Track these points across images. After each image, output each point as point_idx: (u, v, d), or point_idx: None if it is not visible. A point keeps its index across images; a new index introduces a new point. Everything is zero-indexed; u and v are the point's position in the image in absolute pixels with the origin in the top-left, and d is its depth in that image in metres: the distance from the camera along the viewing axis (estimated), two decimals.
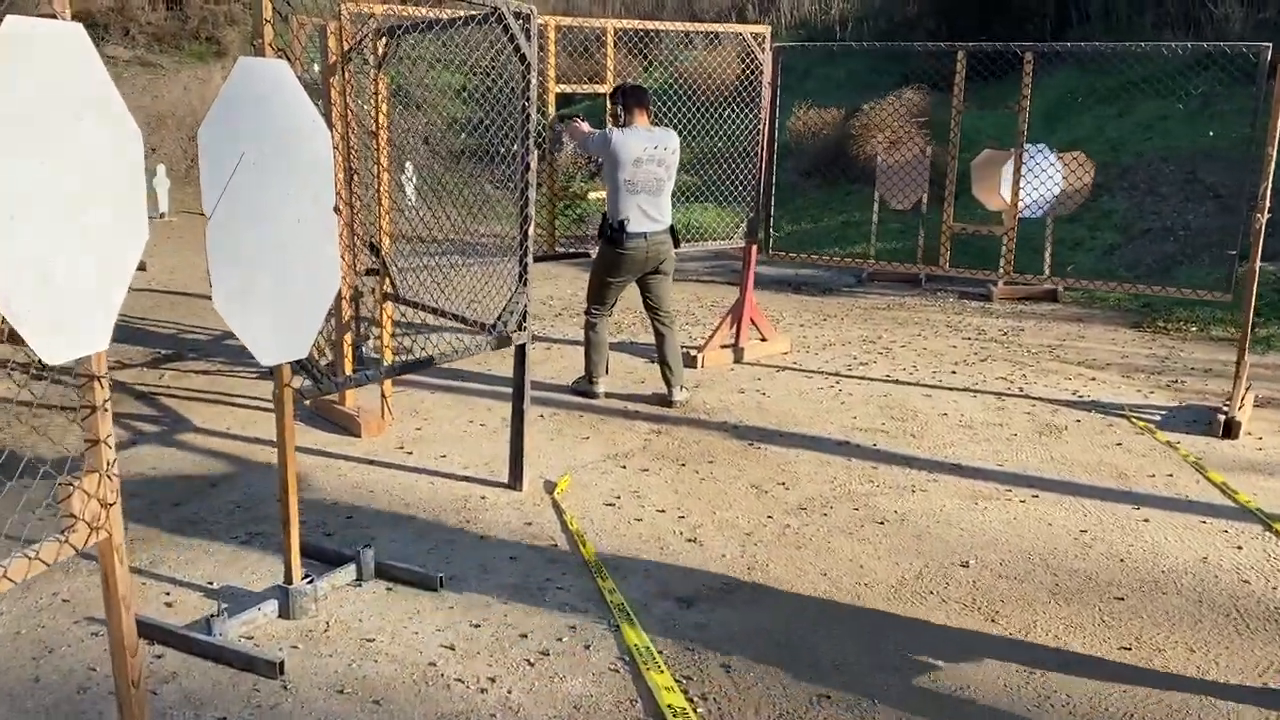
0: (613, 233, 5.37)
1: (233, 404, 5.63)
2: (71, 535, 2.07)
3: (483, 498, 4.33)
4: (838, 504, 4.30)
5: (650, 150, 5.30)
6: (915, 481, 4.57)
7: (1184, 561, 3.77)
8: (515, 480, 4.42)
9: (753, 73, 6.50)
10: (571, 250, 6.41)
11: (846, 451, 4.96)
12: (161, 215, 13.06)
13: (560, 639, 3.17)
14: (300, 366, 3.20)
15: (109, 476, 2.12)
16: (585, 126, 5.62)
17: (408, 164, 10.03)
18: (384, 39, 4.92)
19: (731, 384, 6.14)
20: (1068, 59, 11.99)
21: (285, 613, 3.26)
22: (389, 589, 3.49)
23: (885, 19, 15.74)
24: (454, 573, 3.60)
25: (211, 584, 3.52)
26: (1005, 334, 7.55)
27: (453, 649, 3.11)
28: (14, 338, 1.86)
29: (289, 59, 2.96)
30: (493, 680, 2.94)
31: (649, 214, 5.38)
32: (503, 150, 4.23)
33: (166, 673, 2.94)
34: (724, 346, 6.66)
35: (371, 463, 4.73)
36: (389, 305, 5.19)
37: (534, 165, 4.24)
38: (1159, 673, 3.03)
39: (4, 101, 1.77)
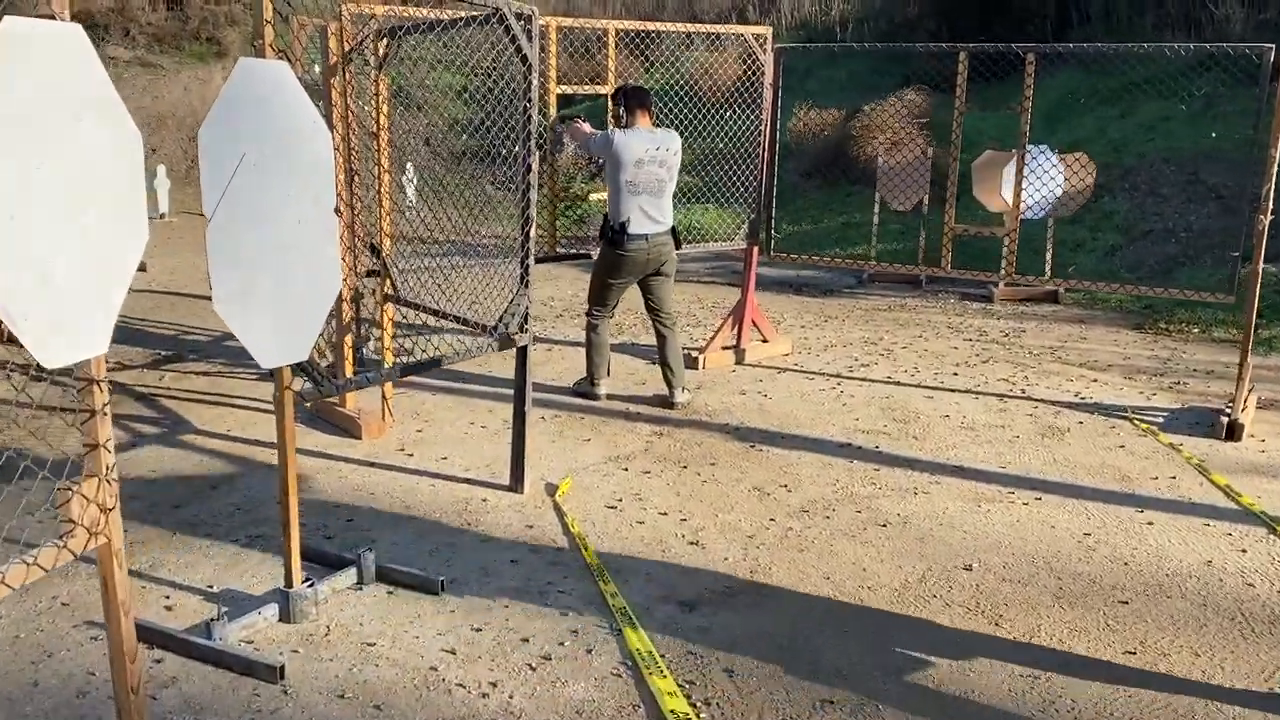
0: (614, 234, 5.35)
1: (233, 405, 5.62)
2: (70, 540, 2.06)
3: (484, 500, 4.31)
4: (840, 506, 4.29)
5: (652, 151, 5.29)
6: (918, 484, 4.56)
7: (1188, 565, 3.76)
8: (516, 482, 4.40)
9: (754, 74, 6.49)
10: (572, 251, 6.40)
11: (849, 453, 4.95)
12: (162, 216, 13.04)
13: (562, 643, 3.15)
14: (301, 369, 3.18)
15: (108, 481, 2.11)
16: (587, 127, 5.61)
17: (408, 165, 10.02)
18: (385, 40, 4.91)
19: (733, 385, 6.12)
20: (1070, 60, 11.98)
21: (285, 616, 3.24)
22: (390, 592, 3.47)
23: (886, 20, 15.73)
24: (455, 576, 3.58)
25: (211, 587, 3.50)
26: (1007, 335, 7.54)
27: (454, 653, 3.09)
28: (14, 339, 1.84)
29: (289, 60, 2.94)
30: (494, 685, 2.92)
31: (650, 215, 5.36)
32: (504, 151, 4.21)
33: (166, 677, 2.92)
34: (725, 348, 6.64)
35: (372, 465, 4.71)
36: (389, 307, 5.18)
37: (535, 166, 4.23)
38: (1164, 677, 3.01)
39: (2, 102, 1.75)
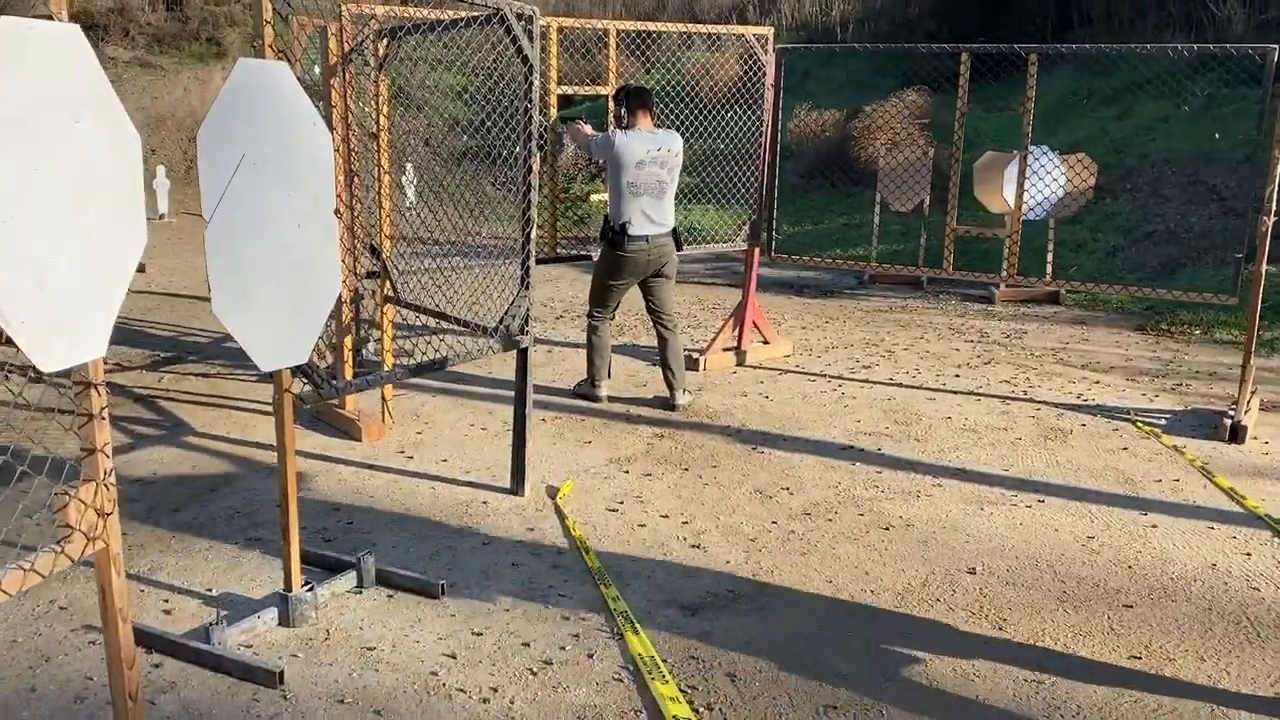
0: (614, 235, 5.33)
1: (232, 407, 5.60)
2: (67, 546, 2.03)
3: (484, 503, 4.29)
4: (842, 509, 4.27)
5: (654, 152, 5.27)
6: (920, 486, 4.54)
7: (1193, 568, 3.74)
8: (517, 485, 4.38)
9: (754, 74, 6.47)
10: (573, 253, 6.38)
11: (850, 456, 4.93)
12: (161, 216, 13.03)
13: (563, 647, 3.13)
14: (300, 371, 3.16)
15: (106, 486, 2.09)
16: (588, 129, 5.59)
17: (408, 166, 10.00)
18: (385, 40, 4.89)
19: (734, 387, 6.10)
20: (1070, 61, 11.96)
21: (285, 620, 3.22)
22: (390, 596, 3.45)
23: (886, 21, 15.71)
24: (455, 579, 3.56)
25: (210, 591, 3.48)
26: (1008, 337, 7.52)
27: (454, 658, 3.07)
28: (10, 340, 1.82)
29: (289, 60, 2.92)
30: (495, 690, 2.90)
31: (651, 217, 5.34)
32: (504, 152, 4.19)
33: (165, 682, 2.90)
34: (726, 349, 6.62)
35: (372, 467, 4.69)
36: (389, 308, 5.15)
37: (536, 167, 4.21)
38: (1170, 681, 2.99)
39: None
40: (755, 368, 6.56)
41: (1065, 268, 9.03)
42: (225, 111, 2.56)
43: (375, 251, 5.02)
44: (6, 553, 3.56)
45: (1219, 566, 3.75)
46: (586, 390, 5.79)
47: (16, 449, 4.55)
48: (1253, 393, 5.47)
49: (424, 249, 5.23)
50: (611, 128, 5.62)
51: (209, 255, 2.54)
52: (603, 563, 3.71)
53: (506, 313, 4.15)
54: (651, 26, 6.51)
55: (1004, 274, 6.45)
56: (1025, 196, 6.37)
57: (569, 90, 6.30)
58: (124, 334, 6.98)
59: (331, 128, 4.35)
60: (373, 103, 4.94)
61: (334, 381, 3.59)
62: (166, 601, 3.41)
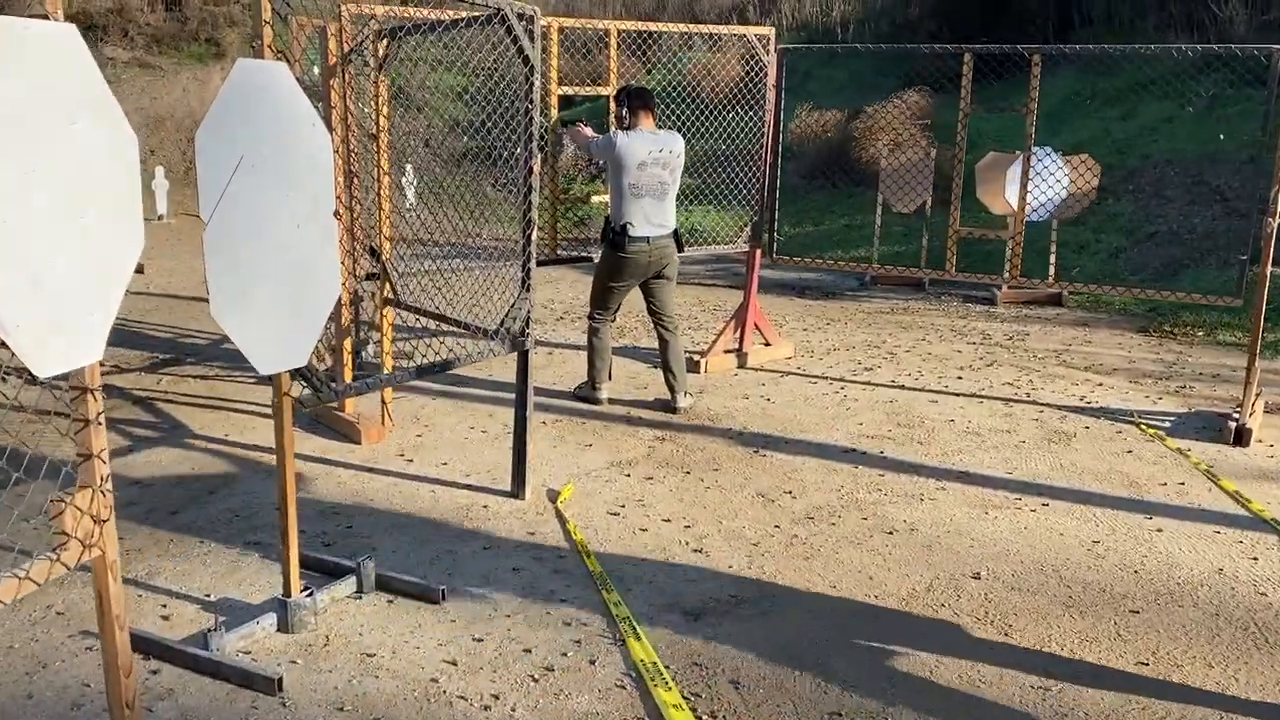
0: (615, 237, 5.30)
1: (231, 409, 5.57)
2: (63, 553, 2.01)
3: (485, 506, 4.26)
4: (845, 513, 4.24)
5: (655, 153, 5.24)
6: (924, 490, 4.51)
7: (1199, 573, 3.71)
8: (518, 489, 4.35)
9: (755, 74, 6.44)
10: (573, 254, 6.35)
11: (853, 459, 4.90)
12: (160, 217, 13.00)
13: (565, 654, 3.10)
14: (299, 374, 3.13)
15: (102, 493, 2.06)
16: (589, 131, 5.56)
17: (408, 167, 9.97)
18: (384, 41, 4.86)
19: (736, 389, 6.07)
20: (1073, 61, 11.93)
21: (284, 626, 3.19)
22: (390, 601, 3.42)
23: (887, 21, 15.69)
24: (456, 585, 3.53)
25: (209, 596, 3.45)
26: (1011, 339, 7.49)
27: (455, 664, 3.04)
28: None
29: (288, 61, 2.90)
30: (496, 697, 2.87)
31: (652, 219, 5.31)
32: (505, 153, 4.16)
33: (162, 689, 2.87)
34: (728, 351, 6.59)
35: (372, 470, 4.66)
36: (389, 310, 5.12)
37: (537, 168, 4.18)
38: (1177, 688, 2.96)
39: None
40: (757, 370, 6.53)
41: (1068, 269, 9.00)
42: (224, 112, 2.53)
43: (375, 253, 4.99)
44: (3, 558, 3.54)
45: (1225, 571, 3.72)
46: (587, 393, 5.76)
47: (13, 452, 4.53)
48: (1257, 395, 5.44)
49: (424, 251, 5.20)
50: (613, 129, 5.59)
51: (207, 256, 2.51)
52: (604, 567, 3.68)
53: (507, 315, 4.12)
54: (652, 27, 6.49)
55: (1006, 275, 6.42)
56: (1028, 198, 6.34)
57: (570, 91, 6.27)
58: (122, 335, 6.95)
59: (331, 128, 4.33)
60: (372, 103, 4.91)
61: (333, 384, 3.56)
62: (164, 606, 3.37)
